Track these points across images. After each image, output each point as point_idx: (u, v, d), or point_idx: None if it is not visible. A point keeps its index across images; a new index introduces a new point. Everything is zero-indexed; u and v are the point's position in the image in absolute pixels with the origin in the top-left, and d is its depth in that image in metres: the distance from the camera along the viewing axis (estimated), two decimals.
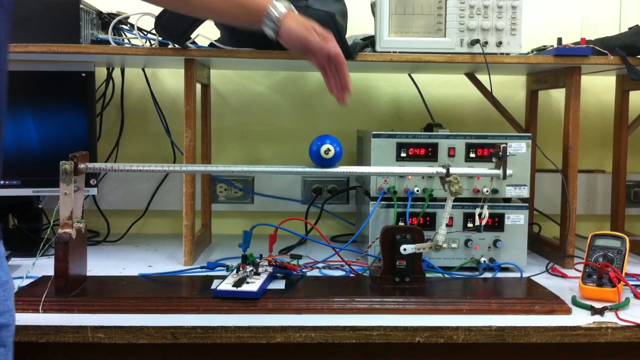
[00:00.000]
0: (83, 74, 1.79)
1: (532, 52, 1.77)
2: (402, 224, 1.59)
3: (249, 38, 1.61)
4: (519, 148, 1.61)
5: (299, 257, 1.55)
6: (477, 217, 1.44)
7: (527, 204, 1.63)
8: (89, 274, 1.45)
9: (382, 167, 1.57)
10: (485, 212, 1.43)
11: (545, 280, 1.53)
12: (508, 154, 1.39)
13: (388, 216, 1.61)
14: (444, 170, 1.39)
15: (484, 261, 1.60)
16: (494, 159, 1.41)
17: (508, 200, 1.64)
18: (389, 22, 1.61)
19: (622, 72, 1.82)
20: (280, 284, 1.42)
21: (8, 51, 0.97)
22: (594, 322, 1.25)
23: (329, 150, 1.34)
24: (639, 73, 1.64)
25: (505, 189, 1.62)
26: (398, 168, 1.52)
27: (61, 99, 1.79)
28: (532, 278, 1.54)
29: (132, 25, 1.72)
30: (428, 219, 1.61)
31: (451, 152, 1.61)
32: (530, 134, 1.65)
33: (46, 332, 1.19)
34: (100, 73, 2.00)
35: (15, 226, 1.86)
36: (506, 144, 1.40)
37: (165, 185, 2.09)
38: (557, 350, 1.27)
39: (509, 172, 1.39)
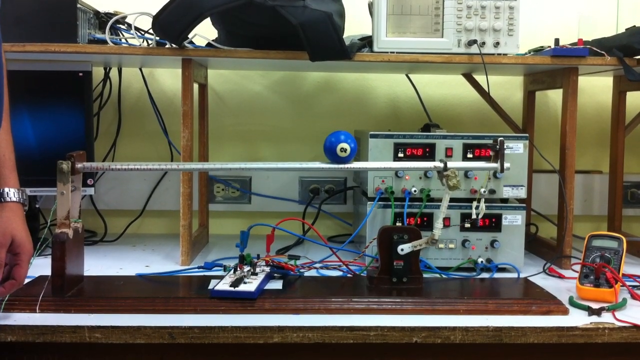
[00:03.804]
0: (80, 74, 1.78)
1: (530, 52, 1.77)
2: (400, 224, 1.59)
3: (246, 38, 1.61)
4: (516, 148, 1.62)
5: (297, 257, 1.55)
6: (473, 210, 1.44)
7: (524, 205, 1.63)
8: (86, 273, 1.45)
9: (383, 162, 1.57)
10: (482, 206, 1.42)
11: (543, 281, 1.54)
12: (505, 146, 1.39)
13: (385, 216, 1.61)
14: (441, 165, 1.39)
15: (481, 262, 1.60)
16: (491, 153, 1.41)
17: (505, 200, 1.64)
18: (387, 23, 1.61)
19: (619, 72, 1.82)
20: (277, 284, 1.42)
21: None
22: (591, 323, 1.25)
23: (344, 149, 1.34)
24: (636, 74, 1.64)
25: (503, 189, 1.62)
26: (398, 163, 1.52)
27: (58, 98, 1.79)
28: (529, 278, 1.54)
29: (129, 25, 1.72)
30: (425, 219, 1.61)
31: (448, 153, 1.61)
32: (527, 135, 1.65)
33: (43, 332, 1.19)
34: (98, 73, 2.00)
35: None
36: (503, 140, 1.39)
37: (162, 185, 2.09)
38: (554, 350, 1.27)
39: (506, 165, 1.39)
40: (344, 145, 1.34)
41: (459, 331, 1.22)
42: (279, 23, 1.51)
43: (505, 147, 1.39)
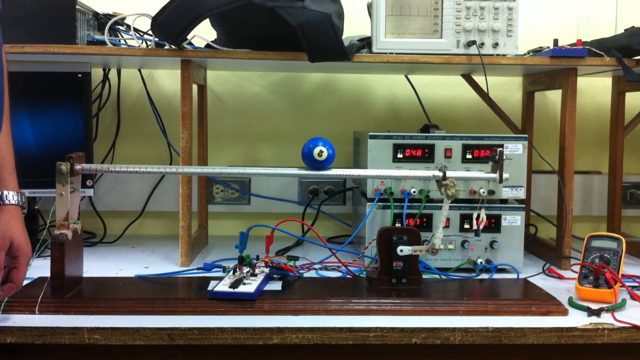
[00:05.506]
0: (79, 75, 1.79)
1: (529, 53, 1.77)
2: (399, 225, 1.59)
3: (245, 39, 1.61)
4: (515, 149, 1.62)
5: (296, 258, 1.55)
6: (474, 221, 1.44)
7: (523, 205, 1.64)
8: (85, 275, 1.45)
9: (378, 170, 1.57)
10: (483, 215, 1.43)
11: (542, 282, 1.54)
12: (505, 157, 1.40)
13: (385, 217, 1.61)
14: (440, 174, 1.39)
15: (481, 262, 1.60)
16: (490, 163, 1.42)
17: (504, 201, 1.64)
18: (386, 23, 1.61)
19: (618, 73, 1.83)
20: (276, 285, 1.42)
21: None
22: (590, 324, 1.25)
23: (322, 152, 1.34)
24: (635, 74, 1.64)
25: (502, 190, 1.62)
26: (394, 171, 1.52)
27: (57, 99, 1.79)
28: (529, 279, 1.54)
29: (128, 26, 1.72)
30: (425, 220, 1.61)
31: (448, 154, 1.61)
32: (526, 135, 1.65)
33: (42, 334, 1.19)
34: (97, 74, 1.99)
35: None
36: (503, 147, 1.40)
37: (161, 187, 2.09)
38: (553, 351, 1.27)
39: (505, 175, 1.40)
40: (321, 148, 1.34)
41: (459, 332, 1.22)
42: (278, 24, 1.51)
43: (504, 157, 1.39)
